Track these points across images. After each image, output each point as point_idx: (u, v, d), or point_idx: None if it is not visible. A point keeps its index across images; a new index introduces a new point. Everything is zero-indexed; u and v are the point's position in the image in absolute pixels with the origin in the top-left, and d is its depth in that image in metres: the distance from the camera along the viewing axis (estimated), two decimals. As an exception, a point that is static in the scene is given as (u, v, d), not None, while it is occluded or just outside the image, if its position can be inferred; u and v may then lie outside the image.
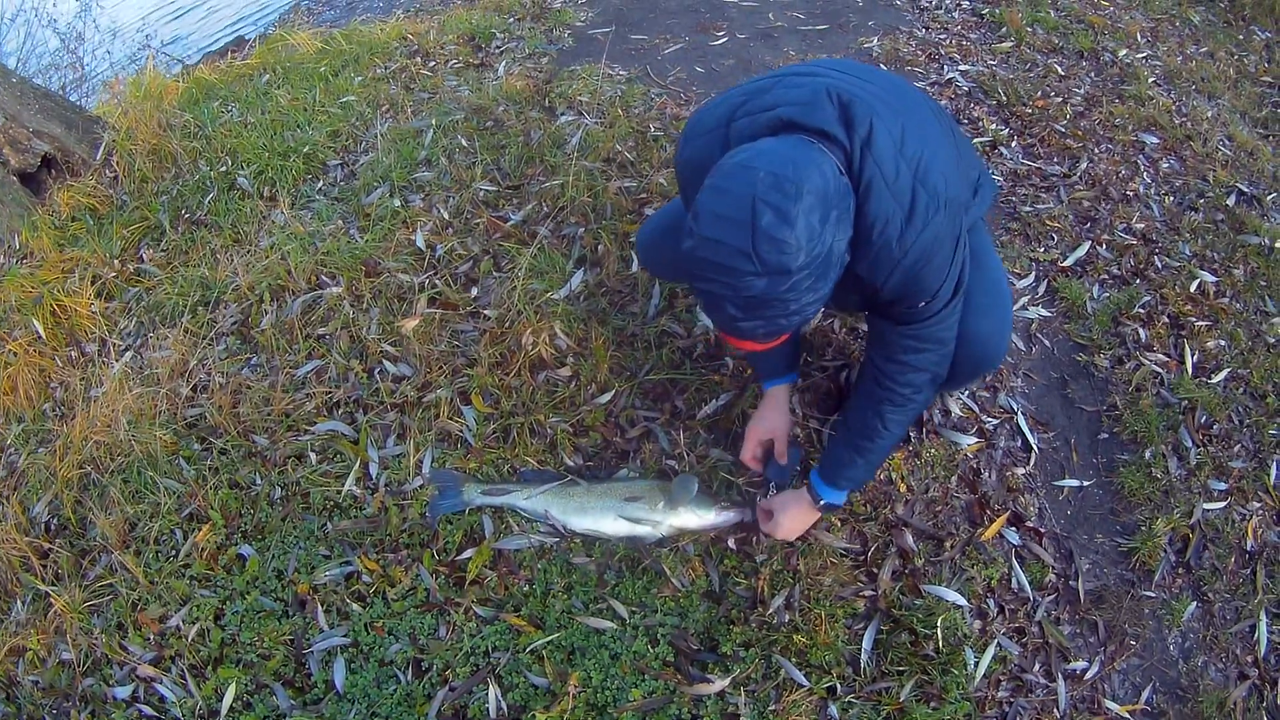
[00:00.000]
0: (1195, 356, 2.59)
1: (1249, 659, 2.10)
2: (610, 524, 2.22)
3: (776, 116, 1.60)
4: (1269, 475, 2.36)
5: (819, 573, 2.12)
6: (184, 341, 2.89)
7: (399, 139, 3.47)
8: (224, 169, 3.60)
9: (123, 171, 3.78)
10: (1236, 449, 2.42)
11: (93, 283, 3.27)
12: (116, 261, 3.36)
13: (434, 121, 3.46)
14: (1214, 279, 2.79)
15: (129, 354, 2.99)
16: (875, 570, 2.14)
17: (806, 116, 1.57)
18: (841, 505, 2.10)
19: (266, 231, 3.23)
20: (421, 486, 2.35)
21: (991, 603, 2.13)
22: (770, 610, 2.06)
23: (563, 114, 3.43)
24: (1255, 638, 2.13)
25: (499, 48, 4.12)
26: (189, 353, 2.83)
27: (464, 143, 3.36)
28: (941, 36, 3.89)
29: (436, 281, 2.83)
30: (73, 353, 3.08)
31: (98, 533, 2.47)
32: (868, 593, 2.11)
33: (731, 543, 2.19)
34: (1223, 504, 2.30)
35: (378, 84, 3.94)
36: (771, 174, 1.41)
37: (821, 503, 2.05)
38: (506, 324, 2.65)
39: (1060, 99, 3.49)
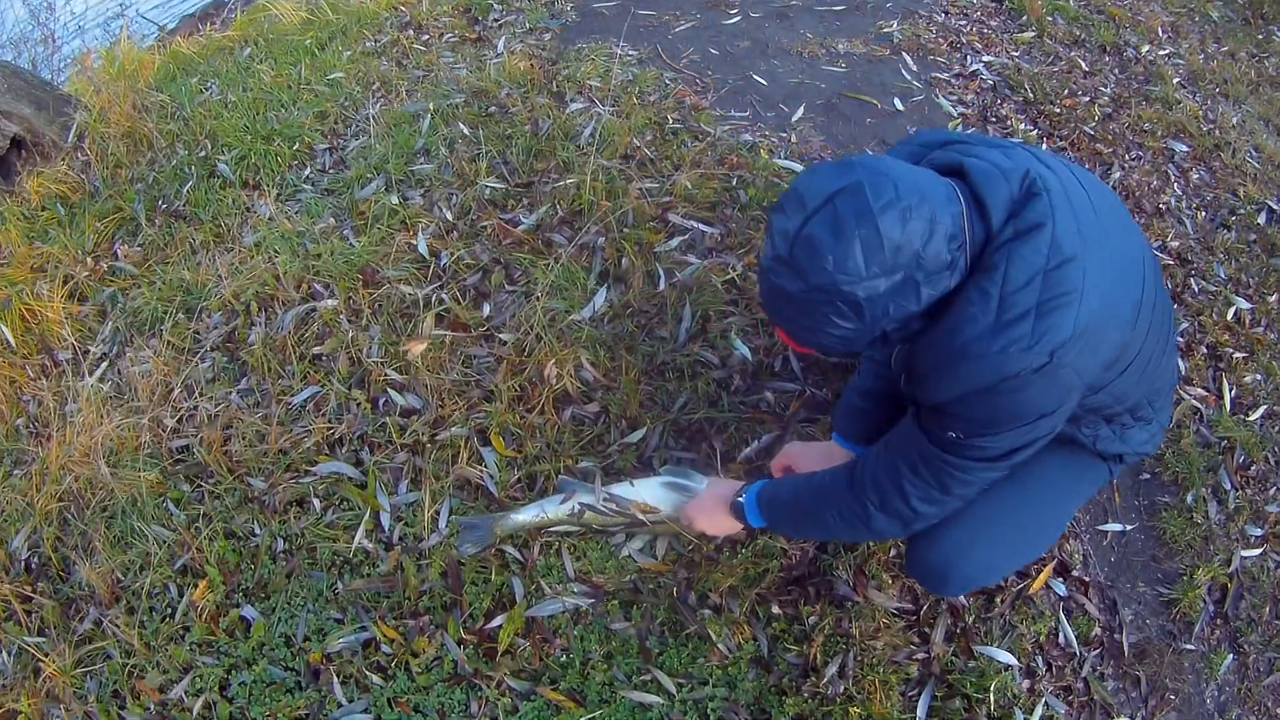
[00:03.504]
0: (1233, 391, 2.55)
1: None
2: (652, 492, 2.09)
3: (959, 161, 1.45)
4: (1302, 520, 2.34)
5: (872, 636, 2.04)
6: (165, 355, 2.68)
7: (393, 124, 3.23)
8: (203, 154, 3.36)
9: (95, 156, 3.52)
10: (1272, 492, 2.39)
11: (64, 283, 3.05)
12: (89, 258, 3.14)
13: (431, 106, 3.22)
14: (1249, 306, 2.74)
15: (104, 364, 2.78)
16: (928, 631, 2.07)
17: (980, 178, 1.41)
18: (752, 527, 1.95)
19: (251, 227, 3.00)
20: (440, 544, 2.20)
21: (1040, 660, 2.08)
22: (824, 680, 1.97)
23: (572, 100, 3.21)
24: (1288, 689, 2.12)
25: (497, 20, 3.86)
26: (171, 371, 2.62)
27: (465, 131, 3.13)
28: (961, 23, 3.74)
29: (444, 296, 2.64)
30: (45, 361, 2.87)
31: (82, 579, 2.29)
32: (920, 655, 2.04)
33: (776, 608, 2.09)
34: (1259, 550, 2.28)
35: (367, 59, 3.68)
36: (873, 184, 1.29)
37: (741, 510, 1.91)
38: (525, 350, 2.47)
39: (1088, 98, 3.39)
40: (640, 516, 2.09)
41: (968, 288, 1.38)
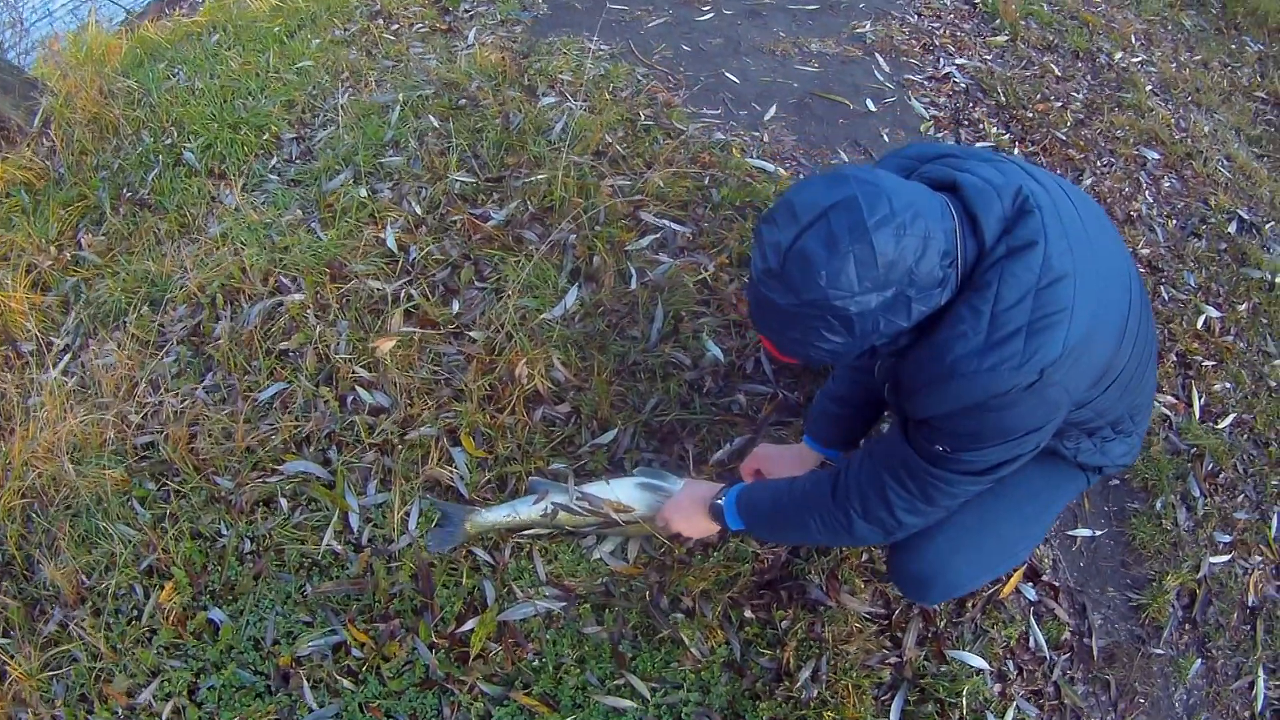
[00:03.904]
0: (1203, 399, 2.61)
1: (1247, 715, 2.15)
2: (627, 492, 2.10)
3: (951, 176, 1.46)
4: (1270, 528, 2.40)
5: (845, 640, 2.06)
6: (129, 348, 2.65)
7: (362, 114, 3.21)
8: (169, 141, 3.32)
9: (60, 142, 3.47)
10: (1240, 499, 2.46)
11: (27, 272, 3.01)
12: (53, 247, 3.10)
13: (400, 97, 3.21)
14: (1219, 314, 2.81)
15: (68, 357, 2.75)
16: (900, 635, 2.10)
17: (974, 194, 1.42)
18: (730, 530, 1.96)
19: (216, 217, 2.97)
20: (410, 546, 2.19)
21: (1011, 664, 2.12)
22: (798, 684, 2.00)
23: (544, 94, 3.21)
24: (1253, 694, 2.17)
25: (468, 11, 3.85)
26: (135, 365, 2.59)
27: (435, 123, 3.12)
28: (935, 25, 3.79)
29: (412, 292, 2.63)
30: (8, 353, 2.83)
31: (46, 579, 2.26)
32: (893, 660, 2.07)
33: (749, 611, 2.11)
34: (1227, 557, 2.34)
35: (336, 48, 3.65)
36: (868, 199, 1.29)
37: (720, 512, 1.93)
38: (495, 349, 2.47)
39: (1060, 103, 3.45)
40: (614, 516, 2.10)
41: (959, 305, 1.39)
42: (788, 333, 1.40)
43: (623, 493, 2.11)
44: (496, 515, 2.16)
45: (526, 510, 2.13)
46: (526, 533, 2.17)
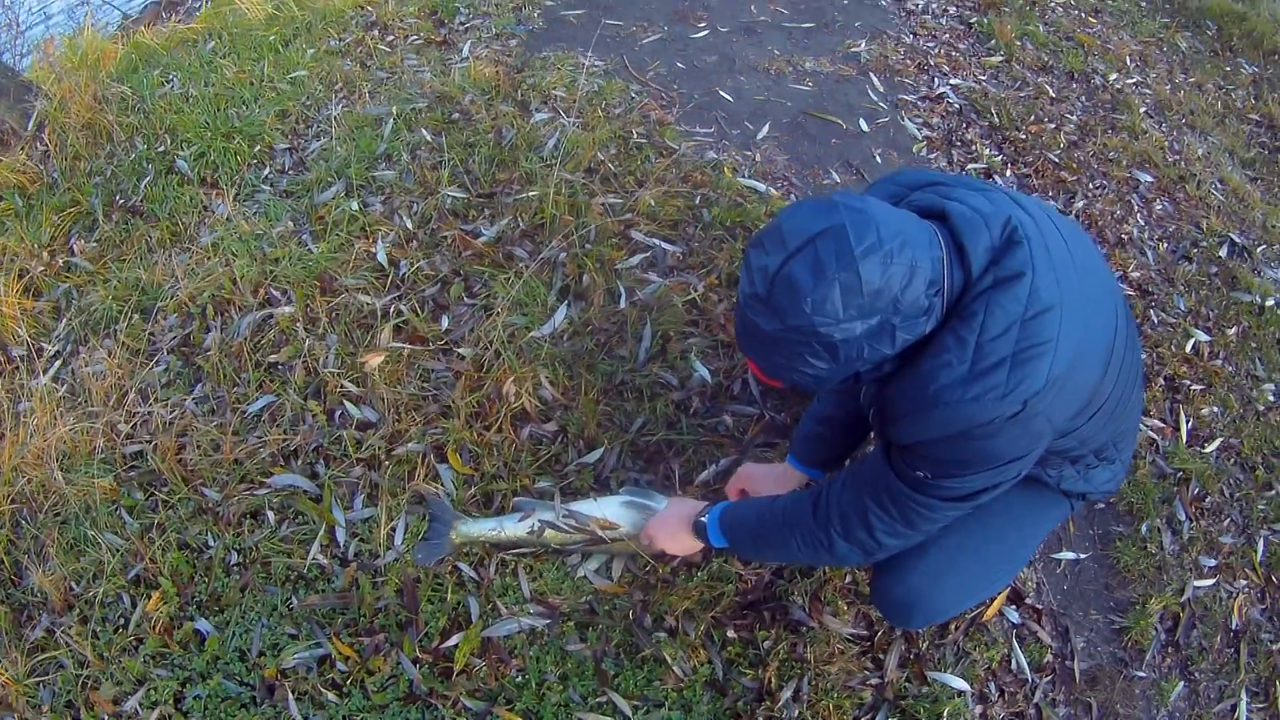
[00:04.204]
0: (1190, 423, 2.64)
1: (1230, 738, 2.17)
2: (612, 510, 2.15)
3: (940, 205, 1.48)
4: (1256, 552, 2.43)
5: (827, 661, 2.09)
6: (119, 357, 2.69)
7: (355, 126, 3.26)
8: (162, 149, 3.38)
9: (54, 146, 3.52)
10: (1226, 523, 2.49)
11: (20, 277, 3.05)
12: (45, 252, 3.15)
13: (394, 109, 3.26)
14: (1208, 338, 2.85)
15: (59, 363, 2.80)
16: (881, 656, 2.13)
17: (962, 223, 1.43)
18: (714, 547, 1.99)
19: (208, 227, 3.03)
20: (396, 561, 2.22)
21: (992, 686, 2.14)
22: (779, 704, 2.03)
23: (537, 110, 3.25)
24: (1236, 717, 2.19)
25: (463, 24, 3.91)
26: (125, 373, 2.63)
27: (428, 137, 3.17)
28: (930, 45, 3.84)
29: (402, 307, 2.67)
30: (-1, 357, 2.86)
31: (34, 585, 2.30)
32: (874, 681, 2.10)
33: (732, 631, 2.14)
34: (1212, 581, 2.36)
35: (331, 58, 3.71)
36: (856, 227, 1.31)
37: (703, 530, 1.95)
38: (484, 366, 2.51)
39: (1054, 125, 3.50)
40: (600, 533, 2.13)
41: (944, 334, 1.40)
42: (772, 357, 1.42)
43: (609, 511, 2.15)
44: (483, 528, 2.20)
45: (512, 527, 2.17)
46: (511, 551, 2.21)
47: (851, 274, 1.29)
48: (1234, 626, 2.31)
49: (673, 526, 2.02)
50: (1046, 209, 1.57)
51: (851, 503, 1.66)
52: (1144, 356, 2.75)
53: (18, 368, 2.81)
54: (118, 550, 2.32)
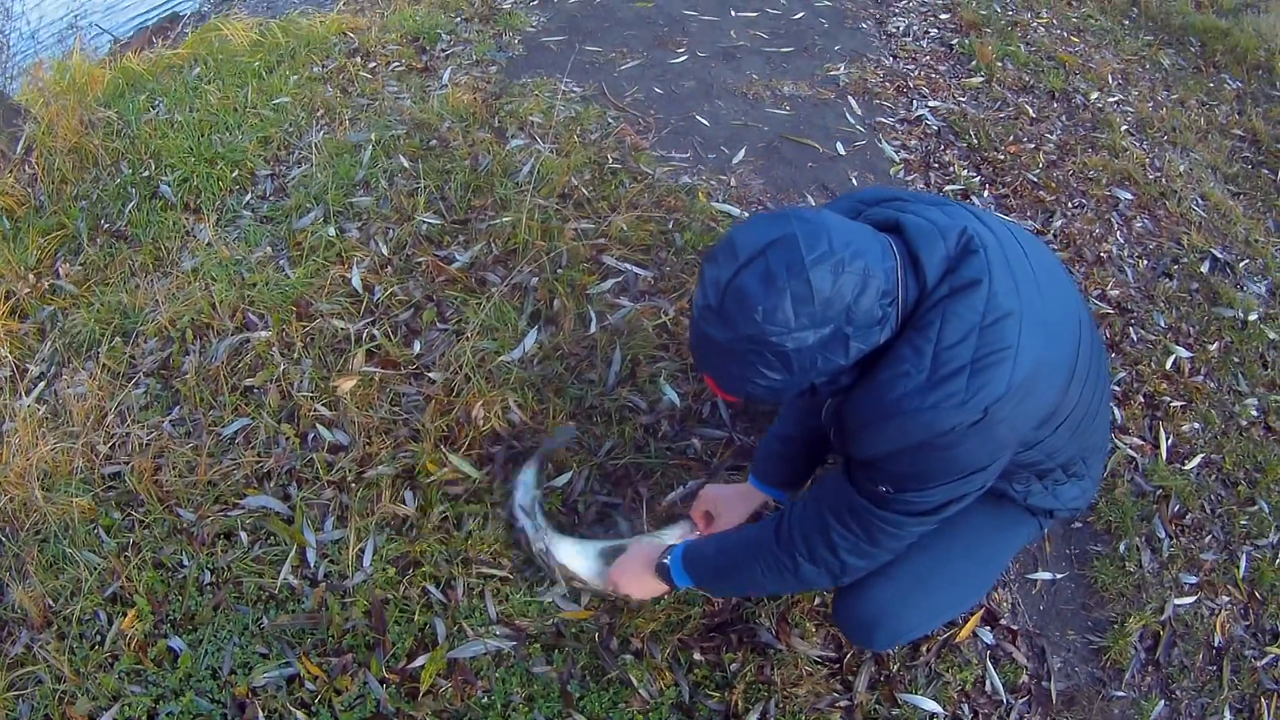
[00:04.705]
0: (1170, 440, 2.65)
1: (1212, 758, 2.16)
2: (581, 563, 2.18)
3: (895, 217, 1.50)
4: (1239, 568, 2.43)
5: (795, 684, 2.10)
6: (100, 379, 2.75)
7: (335, 153, 3.33)
8: (146, 174, 3.45)
9: (41, 170, 3.59)
10: (1208, 539, 2.49)
11: (6, 299, 3.12)
12: (31, 275, 3.21)
13: (373, 136, 3.33)
14: (1189, 355, 2.86)
15: (42, 384, 2.85)
16: (851, 679, 2.13)
17: (916, 234, 1.45)
18: (679, 588, 1.98)
19: (190, 251, 3.09)
20: (364, 582, 2.25)
21: (966, 708, 2.14)
22: (744, 728, 2.04)
23: (513, 136, 3.31)
24: (1219, 736, 2.19)
25: (444, 51, 3.99)
26: (106, 395, 2.69)
27: (405, 164, 3.23)
28: (910, 67, 3.89)
29: (375, 332, 2.72)
30: (-16, 379, 2.92)
31: (14, 601, 2.34)
32: (843, 703, 2.10)
33: (698, 654, 2.15)
34: (1193, 599, 2.36)
35: (313, 84, 3.79)
36: (807, 237, 1.32)
37: (667, 571, 1.95)
38: (454, 390, 2.55)
39: (1033, 145, 3.54)
40: (561, 581, 2.19)
41: (900, 344, 1.41)
42: (727, 369, 1.42)
43: (577, 563, 2.17)
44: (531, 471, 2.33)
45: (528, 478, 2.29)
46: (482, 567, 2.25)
47: (802, 283, 1.30)
48: (1216, 644, 2.30)
49: (636, 570, 2.03)
50: (1008, 224, 1.59)
51: (815, 523, 1.66)
52: (1123, 374, 2.77)
53: (2, 389, 2.87)
54: (95, 568, 2.36)
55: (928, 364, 1.38)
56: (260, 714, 2.08)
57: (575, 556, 2.17)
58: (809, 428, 2.02)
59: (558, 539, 2.20)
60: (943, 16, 4.39)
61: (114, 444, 2.62)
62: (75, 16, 6.65)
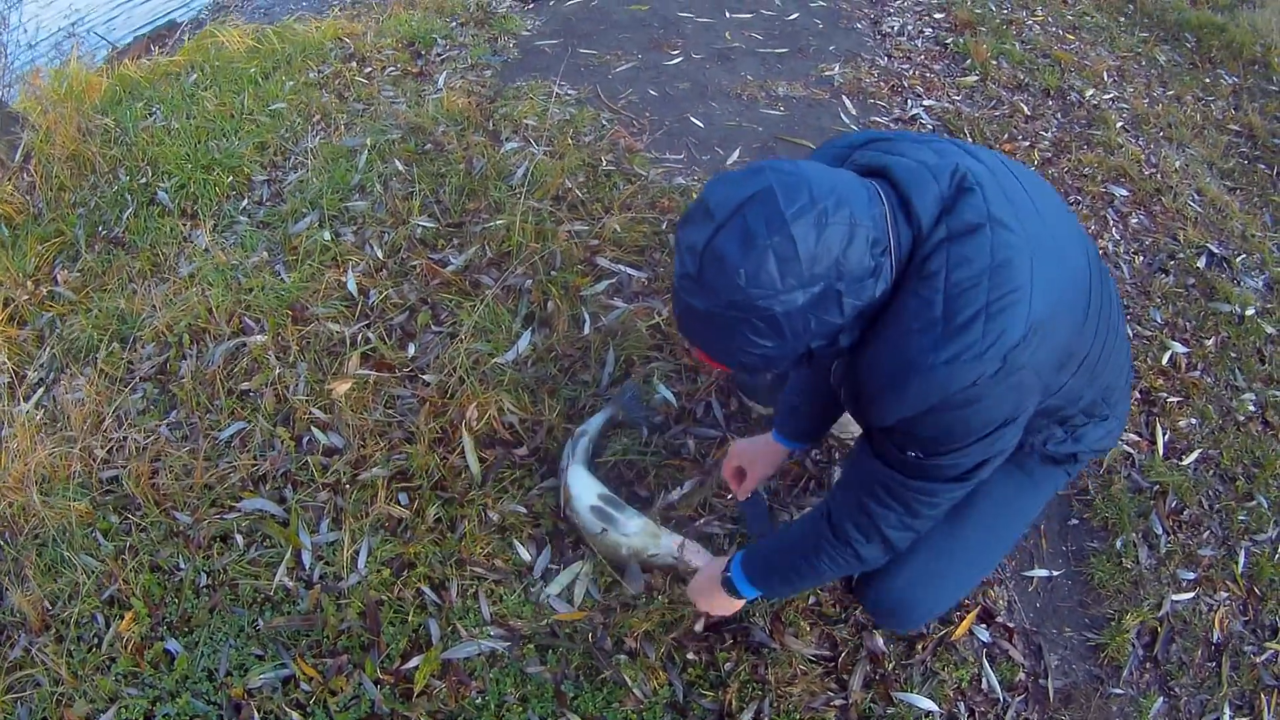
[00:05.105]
0: (1167, 436, 2.65)
1: (1212, 755, 2.16)
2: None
3: (882, 160, 1.39)
4: (1237, 564, 2.43)
5: (789, 683, 2.10)
6: (98, 384, 2.78)
7: (331, 158, 3.36)
8: (144, 180, 3.49)
9: (40, 177, 3.63)
10: (1206, 535, 2.49)
11: (4, 305, 3.16)
12: (30, 282, 3.25)
13: (368, 141, 3.35)
14: (1185, 350, 2.86)
15: (40, 390, 2.88)
16: (846, 677, 2.13)
17: (906, 176, 1.35)
18: (748, 599, 1.95)
19: (187, 257, 3.12)
20: (359, 584, 2.26)
21: (962, 706, 2.13)
22: (739, 727, 2.04)
23: (508, 140, 3.33)
24: (1218, 732, 2.19)
25: (440, 55, 4.01)
26: (103, 400, 2.72)
27: (400, 168, 3.25)
28: (904, 67, 3.90)
29: (370, 335, 2.74)
30: (-18, 385, 2.95)
31: (13, 605, 2.36)
32: (838, 702, 2.10)
33: (692, 653, 2.16)
34: (1191, 594, 2.36)
35: (310, 90, 3.83)
36: (785, 189, 1.23)
37: (732, 585, 1.88)
38: (448, 392, 2.57)
39: (1028, 143, 3.54)
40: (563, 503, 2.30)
41: (904, 297, 1.31)
42: (714, 339, 1.33)
43: (579, 489, 2.29)
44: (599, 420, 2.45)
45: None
46: (476, 569, 2.25)
47: (784, 239, 1.21)
48: (1215, 640, 2.30)
49: (707, 590, 1.97)
50: (1003, 157, 1.48)
51: (856, 509, 1.60)
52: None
53: (1, 395, 2.90)
54: (93, 572, 2.38)
55: (939, 315, 1.28)
56: (256, 715, 2.09)
57: (579, 483, 2.27)
58: (820, 390, 1.95)
59: (577, 467, 2.30)
60: (937, 16, 4.41)
61: (111, 448, 2.65)
62: (73, 25, 6.69)
